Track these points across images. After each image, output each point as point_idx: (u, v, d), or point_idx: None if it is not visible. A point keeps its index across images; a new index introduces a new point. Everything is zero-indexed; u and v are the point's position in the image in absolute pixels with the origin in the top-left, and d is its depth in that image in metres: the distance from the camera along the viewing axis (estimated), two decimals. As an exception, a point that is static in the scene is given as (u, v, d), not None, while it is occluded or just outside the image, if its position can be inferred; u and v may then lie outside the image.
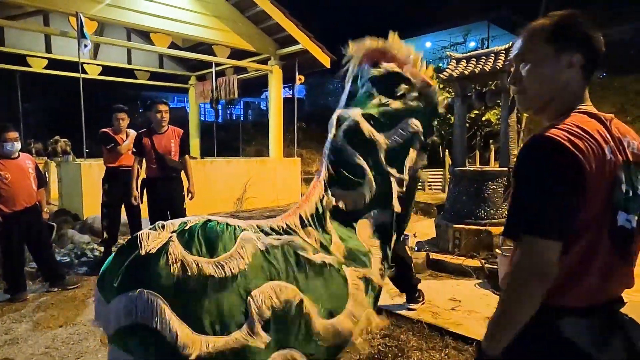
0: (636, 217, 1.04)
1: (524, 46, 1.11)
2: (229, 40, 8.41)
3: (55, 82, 10.62)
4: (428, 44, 23.36)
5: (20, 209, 3.78)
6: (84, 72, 9.77)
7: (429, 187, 10.16)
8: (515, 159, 3.77)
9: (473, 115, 8.07)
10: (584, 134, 0.97)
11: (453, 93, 5.09)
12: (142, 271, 1.48)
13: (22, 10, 7.69)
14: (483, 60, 4.60)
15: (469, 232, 4.46)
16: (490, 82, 4.69)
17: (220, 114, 22.66)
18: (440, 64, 14.88)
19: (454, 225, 4.58)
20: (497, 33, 20.03)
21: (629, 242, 1.05)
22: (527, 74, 1.10)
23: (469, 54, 4.88)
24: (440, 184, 10.16)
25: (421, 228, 6.44)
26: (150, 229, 1.61)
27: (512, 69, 1.15)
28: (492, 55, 4.56)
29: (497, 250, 3.99)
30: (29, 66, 9.09)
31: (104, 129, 4.71)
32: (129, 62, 10.47)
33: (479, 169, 4.60)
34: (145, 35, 9.13)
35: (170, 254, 1.48)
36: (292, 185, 9.25)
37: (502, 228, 4.00)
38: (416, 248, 4.54)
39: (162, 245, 1.51)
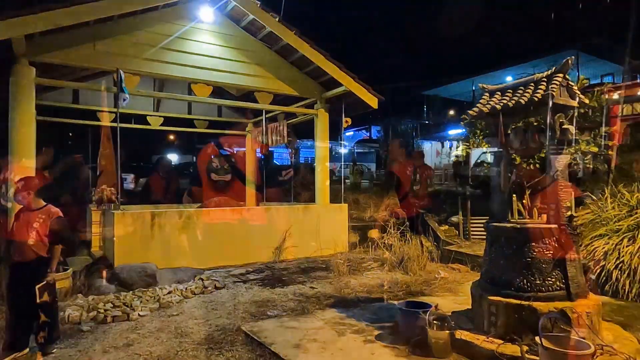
0: None
1: None
2: (271, 86, 8.37)
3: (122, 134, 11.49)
4: (509, 79, 21.88)
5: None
6: (147, 123, 10.45)
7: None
8: (568, 214, 2.70)
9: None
10: None
11: (488, 132, 4.24)
12: None
13: (91, 72, 8.37)
14: (520, 91, 3.75)
15: (507, 307, 3.47)
16: (531, 118, 3.80)
17: (282, 159, 23.09)
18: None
19: (489, 297, 3.62)
20: (586, 59, 18.20)
21: None
22: None
23: (504, 84, 4.04)
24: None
25: (468, 290, 5.37)
26: None
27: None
28: (532, 84, 3.70)
29: (536, 338, 2.98)
30: (99, 120, 9.89)
31: None
32: (190, 112, 10.97)
33: (518, 225, 3.63)
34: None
35: None
36: (338, 234, 8.62)
37: (550, 304, 2.90)
38: (438, 323, 3.60)
39: None
